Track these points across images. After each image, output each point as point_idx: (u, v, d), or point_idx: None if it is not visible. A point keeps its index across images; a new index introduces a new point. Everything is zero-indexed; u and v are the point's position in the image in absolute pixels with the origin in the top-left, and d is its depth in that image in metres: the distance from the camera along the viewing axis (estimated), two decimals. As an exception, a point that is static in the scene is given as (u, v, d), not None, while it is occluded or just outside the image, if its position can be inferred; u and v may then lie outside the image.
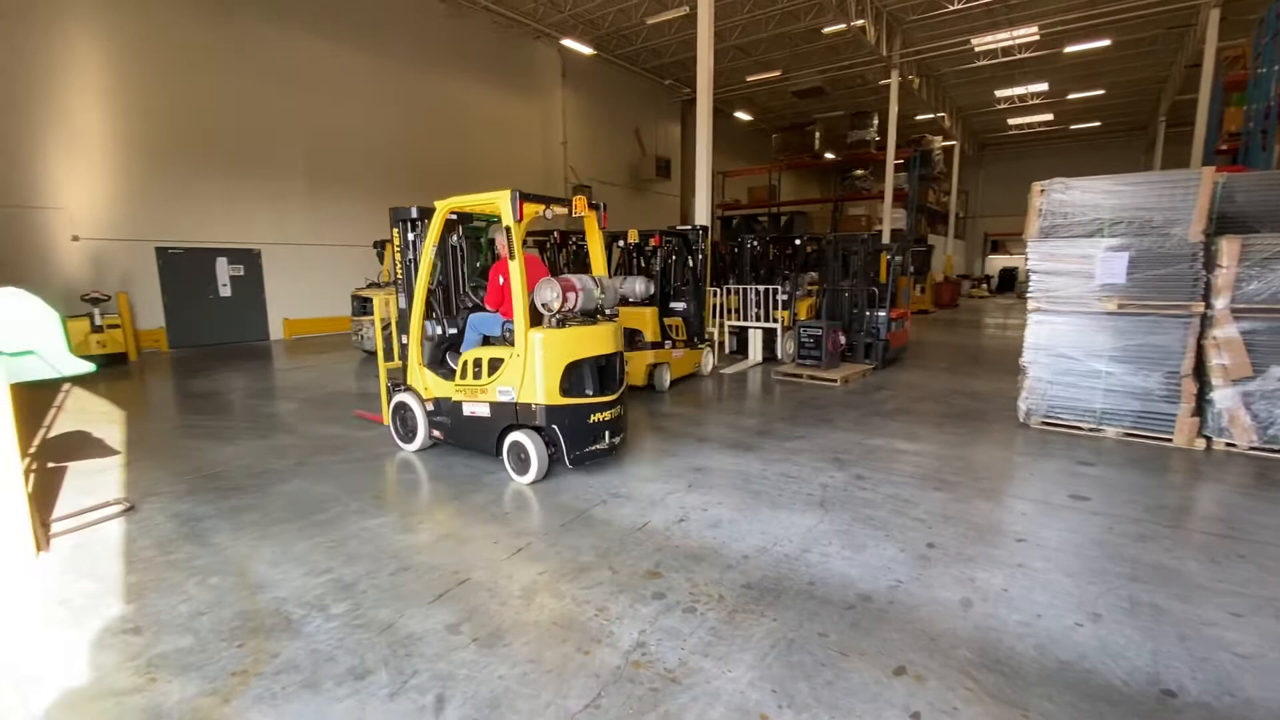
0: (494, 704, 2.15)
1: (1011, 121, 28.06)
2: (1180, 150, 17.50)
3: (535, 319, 4.31)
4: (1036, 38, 17.35)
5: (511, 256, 4.20)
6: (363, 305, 10.45)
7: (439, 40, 15.44)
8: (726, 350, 10.36)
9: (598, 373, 4.45)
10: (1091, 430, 5.50)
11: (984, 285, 30.57)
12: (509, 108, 17.54)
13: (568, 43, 17.06)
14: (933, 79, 22.28)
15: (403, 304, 5.10)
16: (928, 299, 19.79)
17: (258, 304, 13.00)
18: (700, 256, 8.47)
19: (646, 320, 7.38)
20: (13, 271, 9.24)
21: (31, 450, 5.17)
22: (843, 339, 8.65)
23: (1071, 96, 23.69)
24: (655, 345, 7.42)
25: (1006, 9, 16.34)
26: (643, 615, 2.69)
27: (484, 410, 4.50)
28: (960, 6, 15.84)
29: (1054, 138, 31.04)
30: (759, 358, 9.75)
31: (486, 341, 4.82)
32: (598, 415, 4.38)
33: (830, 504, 3.94)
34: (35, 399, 6.85)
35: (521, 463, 4.32)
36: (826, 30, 17.39)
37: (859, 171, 23.67)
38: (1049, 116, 26.96)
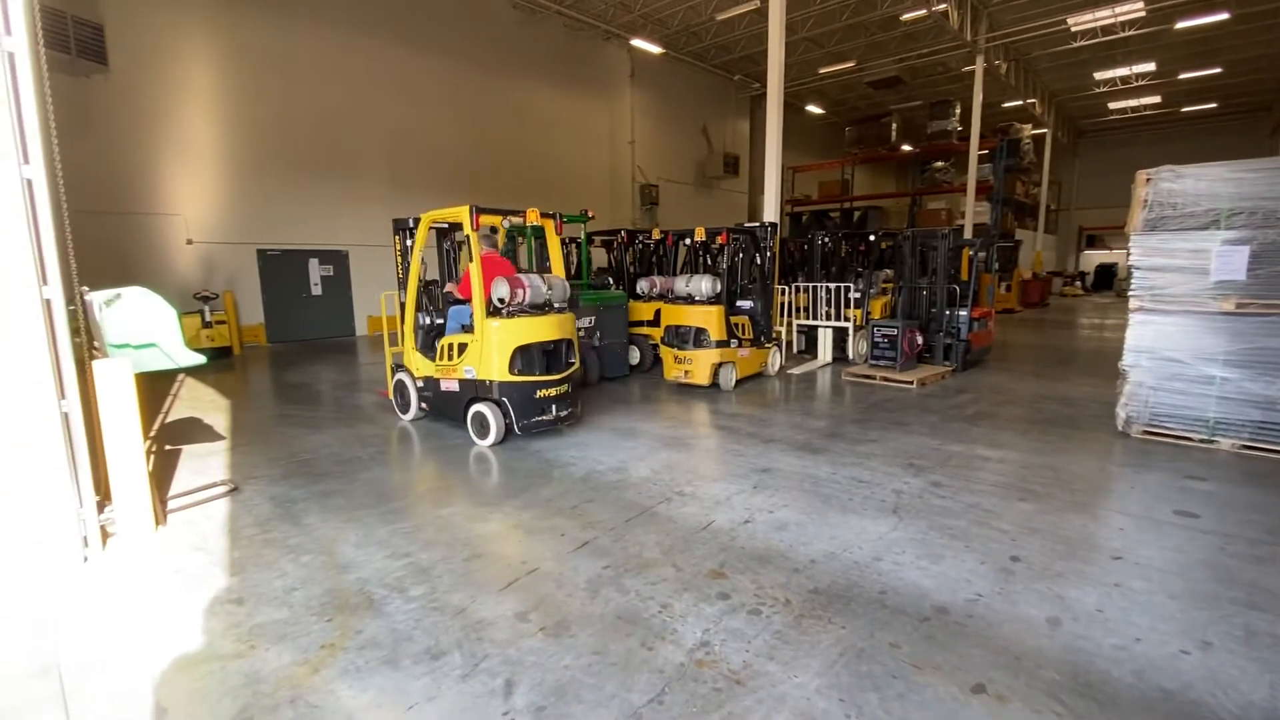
0: (560, 692, 2.20)
1: (1112, 106, 25.94)
2: (1315, 132, 15.65)
3: (497, 312, 5.19)
4: (1143, 13, 15.96)
5: (470, 259, 5.16)
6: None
7: (512, 45, 15.90)
8: (794, 350, 10.14)
9: (545, 356, 5.41)
10: (1202, 441, 5.02)
11: (1077, 283, 28.43)
12: (578, 109, 17.84)
13: (637, 42, 17.16)
14: (1022, 63, 20.94)
15: (402, 299, 5.95)
16: (1013, 298, 18.62)
17: (345, 302, 13.83)
18: (768, 254, 8.33)
19: (712, 319, 7.33)
20: (136, 271, 10.22)
21: (151, 434, 5.72)
22: (920, 339, 8.27)
23: (1183, 76, 21.64)
24: (720, 344, 7.36)
25: (1108, -16, 15.12)
26: (707, 614, 2.68)
27: (455, 386, 5.47)
28: (1055, -16, 14.79)
29: (1161, 122, 28.46)
30: (829, 358, 9.49)
31: (465, 330, 5.46)
32: (544, 391, 5.23)
33: (904, 511, 3.79)
34: (154, 388, 7.57)
35: (482, 429, 5.24)
36: (905, 17, 16.66)
37: (939, 164, 22.56)
38: (1156, 99, 24.76)
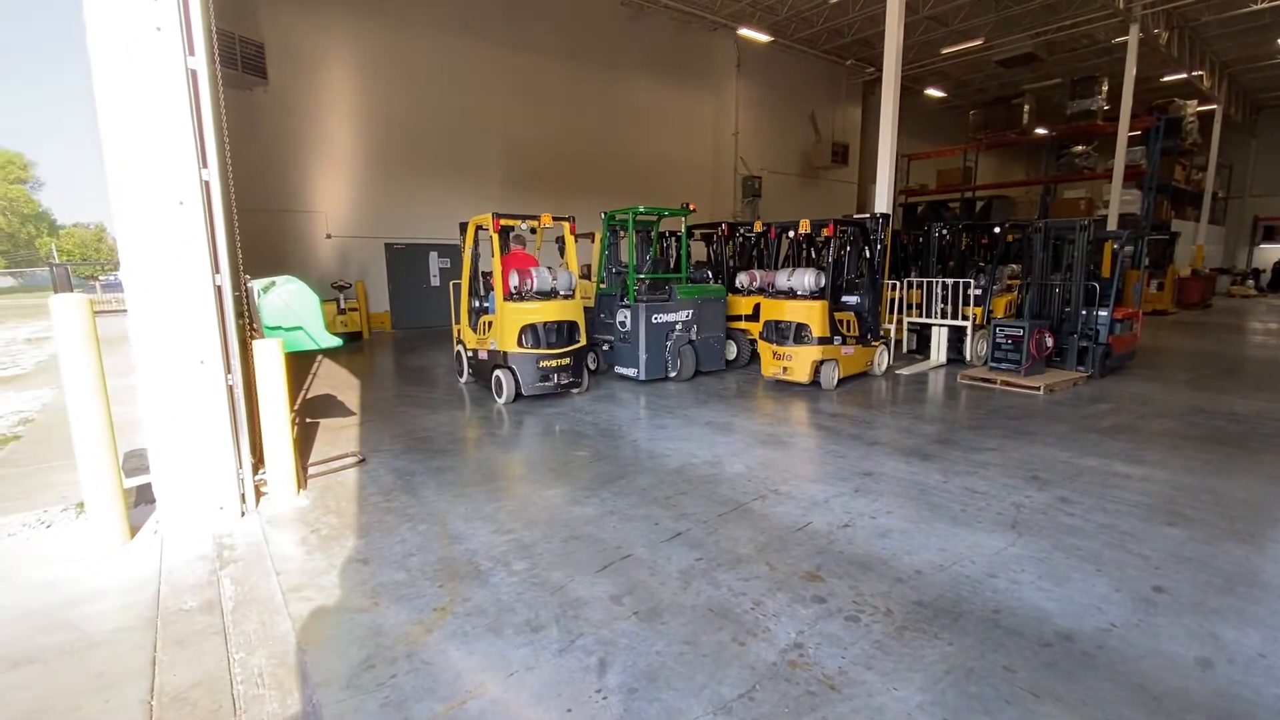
0: (652, 676, 2.25)
1: (1305, 75, 22.15)
2: None
3: (513, 296, 6.52)
4: (1353, -37, 13.48)
5: (489, 255, 6.67)
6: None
7: (618, 41, 16.14)
8: (904, 349, 9.60)
9: (554, 334, 6.57)
10: None
11: (1250, 281, 24.67)
12: (683, 103, 17.82)
13: (745, 31, 16.86)
14: (1187, 31, 18.38)
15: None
16: (1167, 297, 16.48)
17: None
18: (879, 247, 7.93)
19: (814, 314, 7.09)
20: (285, 262, 11.46)
21: (295, 408, 6.42)
22: (1049, 341, 7.52)
23: (1406, 35, 18.06)
24: (823, 340, 7.11)
25: (1306, -68, 12.90)
26: (801, 616, 2.62)
27: (485, 355, 6.85)
28: (1235, -63, 12.84)
29: (1373, 91, 23.93)
30: (943, 359, 8.89)
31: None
32: (546, 362, 6.46)
33: (1025, 526, 3.50)
34: (299, 367, 8.48)
35: (499, 389, 6.55)
36: (1045, -14, 15.14)
37: (1079, 148, 20.33)
38: (1366, 64, 20.84)
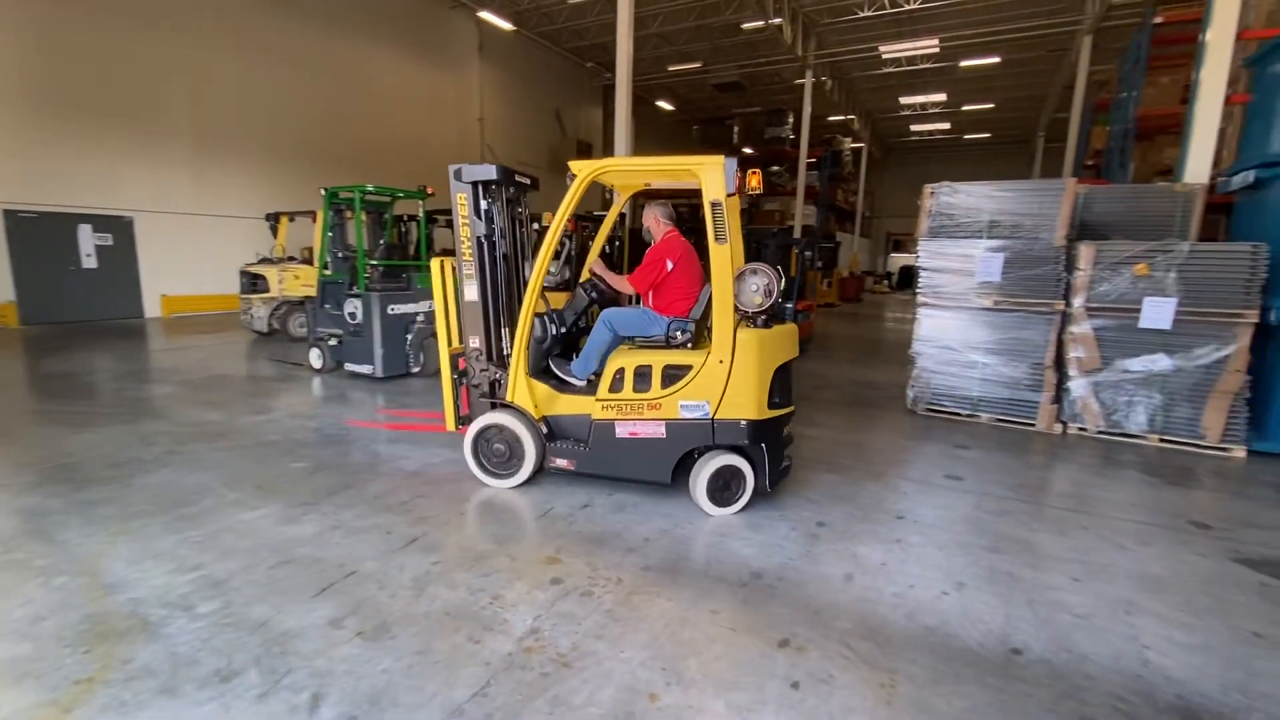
0: (375, 699, 2.05)
1: (914, 128, 29.87)
2: (1056, 164, 19.30)
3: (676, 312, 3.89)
4: (937, 50, 18.51)
5: (721, 239, 3.39)
6: (253, 282, 9.69)
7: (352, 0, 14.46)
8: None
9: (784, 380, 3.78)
10: (969, 416, 5.99)
11: (885, 282, 32.49)
12: (421, 78, 16.73)
13: (486, 15, 16.46)
14: (844, 81, 23.29)
15: (471, 294, 3.95)
16: (834, 293, 20.79)
17: (129, 278, 11.77)
18: (617, 243, 8.46)
19: (561, 303, 7.27)
20: None
21: None
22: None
23: (966, 108, 25.51)
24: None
25: (912, 20, 17.32)
26: (539, 601, 2.66)
27: (655, 430, 3.64)
28: (871, 14, 16.62)
29: (950, 146, 33.37)
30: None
31: (618, 342, 4.03)
32: (788, 427, 3.87)
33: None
34: None
35: (725, 491, 3.63)
36: (745, 26, 17.75)
37: (775, 168, 24.42)
38: (946, 125, 28.92)
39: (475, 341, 3.98)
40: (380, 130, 15.66)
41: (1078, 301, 5.39)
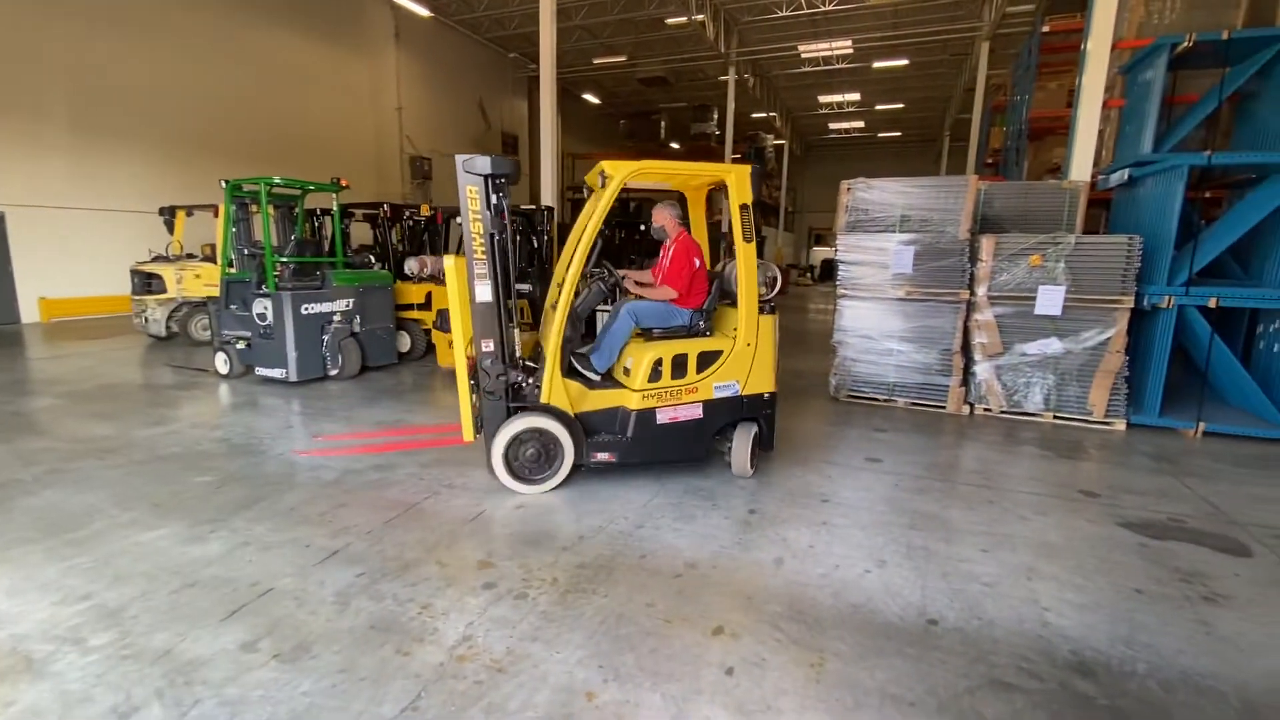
0: (295, 723, 1.95)
1: (832, 126, 31.08)
2: (960, 162, 20.59)
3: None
4: (850, 51, 19.31)
5: (749, 238, 3.99)
6: (147, 282, 8.91)
7: (246, -21, 13.49)
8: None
9: None
10: (886, 401, 6.31)
11: (808, 275, 33.70)
12: (335, 66, 15.86)
13: (400, 0, 15.78)
14: (766, 79, 23.91)
15: (485, 295, 3.75)
16: (762, 285, 21.39)
17: (2, 279, 10.56)
18: (545, 238, 8.34)
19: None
20: None
21: None
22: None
23: (879, 107, 26.79)
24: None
25: (827, 21, 17.96)
26: (471, 607, 2.59)
27: (694, 412, 3.97)
28: (789, 14, 17.11)
29: (866, 143, 34.93)
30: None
31: (643, 335, 4.19)
32: None
33: (664, 481, 4.10)
34: None
35: (742, 453, 4.08)
36: (669, 21, 17.89)
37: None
38: (861, 124, 30.26)
39: (489, 345, 3.76)
40: (290, 120, 14.74)
41: (981, 291, 5.76)
